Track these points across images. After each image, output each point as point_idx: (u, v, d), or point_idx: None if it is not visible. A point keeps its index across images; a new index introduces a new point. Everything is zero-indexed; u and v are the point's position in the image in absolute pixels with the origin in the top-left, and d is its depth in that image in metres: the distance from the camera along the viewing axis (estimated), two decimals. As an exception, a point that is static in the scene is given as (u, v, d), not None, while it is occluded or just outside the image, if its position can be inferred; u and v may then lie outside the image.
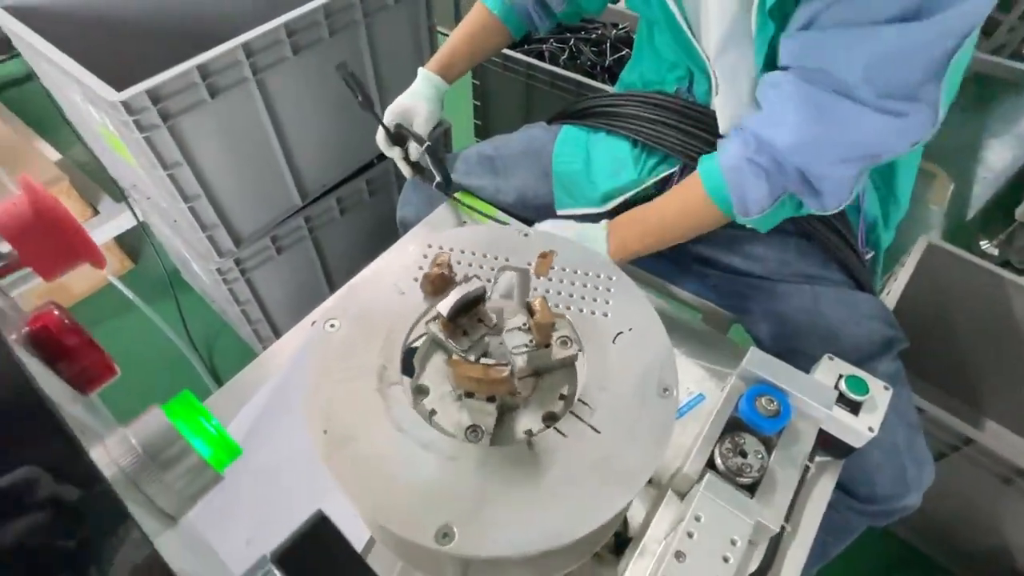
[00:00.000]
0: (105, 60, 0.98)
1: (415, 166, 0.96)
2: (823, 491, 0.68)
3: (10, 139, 1.52)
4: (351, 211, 1.36)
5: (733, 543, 0.41)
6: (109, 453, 0.20)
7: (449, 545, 0.39)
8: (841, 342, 0.74)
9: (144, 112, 0.89)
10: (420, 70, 0.95)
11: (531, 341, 0.47)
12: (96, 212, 1.54)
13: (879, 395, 0.67)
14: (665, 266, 0.94)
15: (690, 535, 0.41)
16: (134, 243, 1.77)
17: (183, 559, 0.17)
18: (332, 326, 0.54)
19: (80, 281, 1.63)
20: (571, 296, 0.55)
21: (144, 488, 0.19)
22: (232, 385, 0.79)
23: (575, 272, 0.57)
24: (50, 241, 0.22)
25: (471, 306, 0.52)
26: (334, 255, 1.41)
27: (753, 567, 0.54)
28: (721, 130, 0.75)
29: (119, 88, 0.88)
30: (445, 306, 0.48)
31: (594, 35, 1.77)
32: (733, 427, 0.52)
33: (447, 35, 1.00)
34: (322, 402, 0.48)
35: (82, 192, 1.51)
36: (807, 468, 0.68)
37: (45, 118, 1.47)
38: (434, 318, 0.50)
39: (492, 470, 0.43)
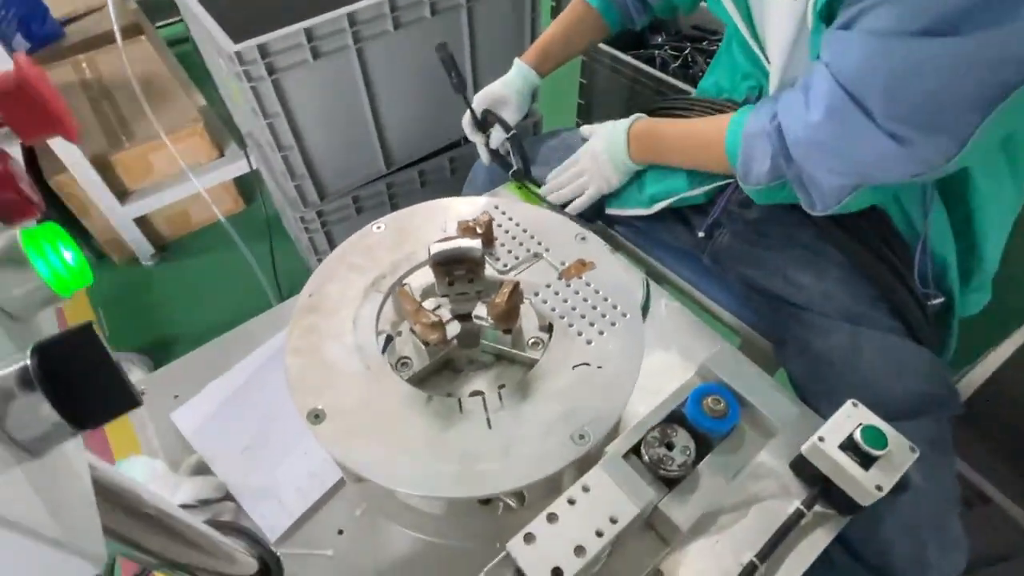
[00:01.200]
0: (244, 17, 1.10)
1: (494, 153, 0.99)
2: (815, 541, 0.62)
3: (167, 82, 1.76)
4: (431, 185, 1.43)
5: (613, 521, 0.39)
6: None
7: (315, 427, 0.44)
8: (875, 393, 0.67)
9: (253, 64, 0.99)
10: (515, 60, 0.97)
11: (488, 320, 0.48)
12: (222, 155, 1.74)
13: (900, 455, 0.60)
14: (711, 281, 0.90)
15: (571, 502, 0.40)
16: (250, 188, 1.97)
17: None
18: (378, 228, 0.61)
19: (200, 212, 1.85)
20: (574, 309, 0.54)
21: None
22: (276, 311, 0.87)
23: (597, 292, 0.55)
24: (29, 109, 0.28)
25: (467, 263, 0.54)
26: (410, 224, 1.49)
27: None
28: None
29: (244, 41, 0.99)
30: (436, 247, 0.51)
31: (715, 47, 1.72)
32: (676, 421, 0.49)
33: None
34: (325, 272, 0.56)
35: (213, 136, 1.71)
36: (801, 513, 0.63)
37: (200, 70, 1.68)
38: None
39: (388, 397, 0.46)
